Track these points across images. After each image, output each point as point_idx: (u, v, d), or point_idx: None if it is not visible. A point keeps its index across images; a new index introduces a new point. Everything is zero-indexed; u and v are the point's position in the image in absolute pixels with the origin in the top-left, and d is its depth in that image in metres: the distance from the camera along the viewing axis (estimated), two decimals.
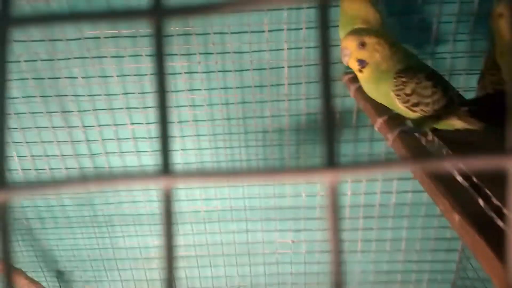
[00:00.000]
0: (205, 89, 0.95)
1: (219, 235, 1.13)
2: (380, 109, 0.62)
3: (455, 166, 0.41)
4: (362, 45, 0.55)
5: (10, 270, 0.13)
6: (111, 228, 1.14)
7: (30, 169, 1.06)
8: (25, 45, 0.92)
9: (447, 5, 0.86)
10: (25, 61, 0.94)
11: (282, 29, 0.89)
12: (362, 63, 0.56)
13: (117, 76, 0.94)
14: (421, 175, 0.48)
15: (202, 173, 0.13)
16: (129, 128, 1.01)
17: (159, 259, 1.18)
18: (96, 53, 0.93)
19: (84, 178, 0.13)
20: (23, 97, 0.98)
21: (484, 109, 0.57)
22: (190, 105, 0.97)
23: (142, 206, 1.10)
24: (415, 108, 0.53)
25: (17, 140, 1.03)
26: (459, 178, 0.55)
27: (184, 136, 1.01)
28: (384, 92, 0.55)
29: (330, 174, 0.12)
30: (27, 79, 0.96)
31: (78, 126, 1.01)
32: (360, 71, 0.57)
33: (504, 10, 0.59)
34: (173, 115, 0.98)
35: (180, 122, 1.00)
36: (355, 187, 1.06)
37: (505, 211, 0.46)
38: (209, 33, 0.89)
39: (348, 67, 0.62)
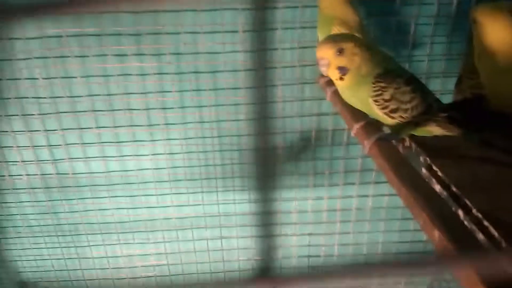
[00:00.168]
0: (176, 91, 0.91)
1: (192, 242, 1.09)
2: (357, 114, 0.59)
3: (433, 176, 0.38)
4: (340, 51, 0.51)
5: None
6: (76, 237, 1.08)
7: None
8: None
9: (425, 7, 0.84)
10: None
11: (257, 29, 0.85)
12: (342, 70, 0.52)
13: (81, 77, 0.89)
14: (399, 186, 0.46)
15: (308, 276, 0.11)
16: (95, 132, 0.95)
17: (128, 269, 1.13)
18: (59, 53, 0.87)
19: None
20: None
21: (462, 115, 0.55)
22: (161, 108, 0.93)
23: (110, 214, 1.04)
24: (393, 115, 0.51)
25: None
26: (438, 187, 0.54)
27: (154, 140, 0.96)
28: (362, 98, 0.53)
29: None
30: None
31: (40, 130, 0.94)
32: (341, 78, 0.53)
33: (477, 15, 0.58)
34: (143, 118, 0.93)
35: (150, 125, 0.95)
36: (332, 191, 1.04)
37: (485, 223, 0.44)
38: (180, 33, 0.85)
39: None
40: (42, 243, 1.09)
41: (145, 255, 1.10)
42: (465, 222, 0.45)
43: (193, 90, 0.91)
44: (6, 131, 0.94)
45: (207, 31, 0.85)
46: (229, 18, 0.84)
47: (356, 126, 0.58)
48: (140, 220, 1.05)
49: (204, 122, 0.95)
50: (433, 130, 0.53)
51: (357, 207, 1.06)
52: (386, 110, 0.51)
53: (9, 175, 0.99)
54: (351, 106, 0.58)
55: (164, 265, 1.12)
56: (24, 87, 0.90)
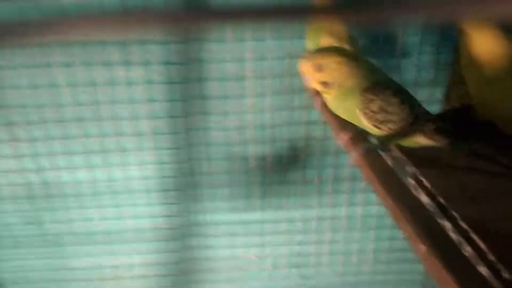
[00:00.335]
0: (165, 101, 0.90)
1: (178, 252, 1.07)
2: (345, 124, 0.59)
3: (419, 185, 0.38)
4: (319, 68, 0.52)
5: None
6: (61, 248, 1.06)
7: None
8: None
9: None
10: None
11: (245, 39, 0.85)
12: (325, 85, 0.53)
13: (67, 85, 0.87)
14: (385, 197, 0.45)
15: None
16: (81, 141, 0.93)
17: (114, 280, 1.11)
18: (44, 61, 0.85)
19: None
20: None
21: (450, 125, 0.55)
22: (149, 117, 0.91)
23: (95, 224, 1.02)
24: (381, 126, 0.51)
25: None
26: (424, 198, 0.53)
27: (142, 149, 0.95)
28: (350, 110, 0.52)
29: None
30: None
31: (24, 139, 0.92)
32: (325, 92, 0.54)
33: (463, 26, 0.59)
34: (130, 126, 0.92)
35: (138, 134, 0.93)
36: (321, 200, 1.04)
37: (472, 235, 0.44)
38: (169, 42, 0.84)
39: None
40: (25, 254, 1.06)
41: (132, 265, 1.08)
42: (452, 234, 0.44)
43: (182, 99, 0.90)
44: None
45: (195, 39, 0.85)
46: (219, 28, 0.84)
47: (344, 136, 0.58)
48: (127, 231, 1.04)
49: (192, 130, 0.94)
50: (421, 141, 0.53)
51: (346, 215, 1.06)
52: (374, 122, 0.51)
53: None
54: (339, 116, 0.57)
55: (151, 276, 1.10)
56: (9, 95, 0.88)
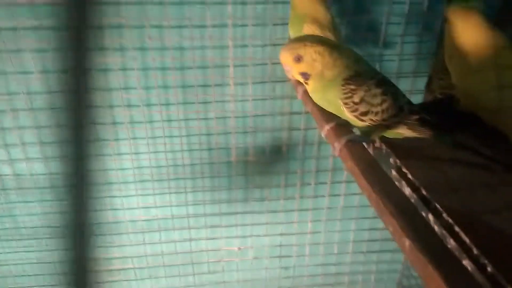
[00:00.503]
0: (142, 88, 0.86)
1: (159, 245, 1.05)
2: (328, 115, 0.58)
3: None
4: (298, 59, 0.51)
5: None
6: (36, 241, 1.02)
7: None
8: None
9: (396, 6, 0.84)
10: None
11: (227, 25, 0.82)
12: (304, 75, 0.52)
13: (39, 72, 0.83)
14: (368, 191, 0.44)
15: None
16: (54, 130, 0.89)
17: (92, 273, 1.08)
18: (14, 46, 0.81)
19: None
20: None
21: (433, 116, 0.54)
22: (126, 105, 0.88)
23: (70, 217, 0.99)
24: (363, 117, 0.50)
25: None
26: (407, 190, 0.53)
27: (119, 139, 0.91)
28: (332, 101, 0.51)
29: None
30: None
31: None
32: (306, 83, 0.52)
33: (448, 15, 0.58)
34: (106, 115, 0.88)
35: (113, 123, 0.90)
36: (303, 190, 1.03)
37: (456, 228, 0.43)
38: (145, 27, 0.80)
39: None
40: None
41: (110, 259, 1.06)
42: (436, 228, 0.44)
43: (160, 87, 0.87)
44: None
45: (173, 25, 0.81)
46: (197, 12, 0.80)
47: (327, 127, 0.56)
48: (104, 223, 1.01)
49: (171, 120, 0.91)
50: (404, 132, 0.52)
51: (328, 206, 1.06)
52: (356, 113, 0.50)
53: None
54: (322, 107, 0.56)
55: (130, 268, 1.08)
56: None
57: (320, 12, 0.68)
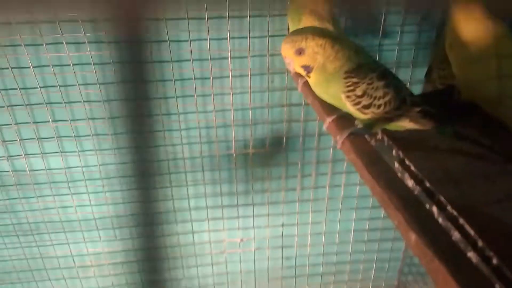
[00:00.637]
0: (141, 82, 0.85)
1: (161, 238, 1.05)
2: (329, 107, 0.57)
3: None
4: (300, 52, 0.50)
5: None
6: (38, 236, 1.02)
7: None
8: None
9: None
10: None
11: (225, 17, 0.81)
12: (306, 68, 0.51)
13: (34, 67, 0.82)
14: (372, 184, 0.44)
15: None
16: (52, 126, 0.89)
17: (96, 267, 1.08)
18: (9, 41, 0.79)
19: None
20: None
21: (434, 108, 0.54)
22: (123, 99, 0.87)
23: (72, 211, 0.99)
24: (366, 110, 0.49)
25: None
26: (410, 182, 0.53)
27: (117, 134, 0.91)
28: (334, 94, 0.51)
29: None
30: None
31: None
32: (308, 76, 0.52)
33: (451, 5, 0.57)
34: (103, 110, 0.88)
35: (111, 118, 0.89)
36: (304, 181, 1.03)
37: (460, 220, 0.43)
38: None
39: None
40: (1, 243, 1.03)
41: (113, 252, 1.06)
42: (440, 220, 0.44)
43: (158, 81, 0.86)
44: None
45: (171, 17, 0.80)
46: (194, 5, 0.79)
47: (328, 120, 0.56)
48: (106, 217, 1.01)
49: (170, 114, 0.90)
50: (406, 124, 0.52)
51: (329, 196, 1.06)
52: (358, 106, 0.49)
53: None
54: (323, 100, 0.56)
55: (133, 261, 1.08)
56: None
57: (319, 4, 0.67)
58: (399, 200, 0.39)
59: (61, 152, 0.92)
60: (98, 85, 0.85)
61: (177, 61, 0.85)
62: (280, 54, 0.79)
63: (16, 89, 0.84)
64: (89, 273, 1.09)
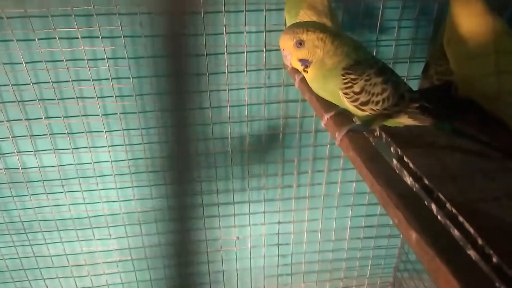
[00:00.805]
0: (133, 77, 0.84)
1: (157, 236, 1.05)
2: (327, 104, 0.57)
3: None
4: (300, 44, 0.49)
5: None
6: (31, 235, 1.01)
7: None
8: None
9: None
10: None
11: (221, 11, 0.80)
12: (304, 62, 0.50)
13: (27, 62, 0.80)
14: (371, 181, 0.43)
15: None
16: (45, 123, 0.87)
17: (90, 266, 1.07)
18: (1, 36, 0.78)
19: None
20: None
21: (432, 104, 0.54)
22: (117, 96, 0.86)
23: (66, 209, 0.98)
24: (364, 107, 0.49)
25: None
26: (409, 180, 0.52)
27: (111, 131, 0.90)
28: (332, 90, 0.50)
29: None
30: None
31: None
32: (305, 71, 0.51)
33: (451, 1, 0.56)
34: (97, 106, 0.86)
35: (105, 115, 0.88)
36: (300, 178, 1.02)
37: (460, 218, 0.43)
38: (135, 13, 0.78)
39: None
40: None
41: (108, 251, 1.05)
42: (439, 217, 0.43)
43: (152, 76, 0.85)
44: None
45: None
46: None
47: (326, 116, 0.55)
48: (100, 215, 1.00)
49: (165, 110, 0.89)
50: (405, 121, 0.51)
51: (325, 193, 1.05)
52: (356, 103, 0.49)
53: None
54: (321, 96, 0.55)
55: (128, 260, 1.07)
56: None
57: None
58: (399, 198, 0.39)
59: (54, 150, 0.90)
60: (92, 81, 0.83)
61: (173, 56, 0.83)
62: (277, 50, 0.78)
63: (8, 85, 0.82)
64: (83, 272, 1.08)
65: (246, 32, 0.82)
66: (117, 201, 0.98)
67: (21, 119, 0.86)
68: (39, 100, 0.84)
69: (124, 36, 0.79)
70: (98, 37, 0.79)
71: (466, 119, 0.58)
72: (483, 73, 0.58)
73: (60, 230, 1.01)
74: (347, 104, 0.50)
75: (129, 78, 0.84)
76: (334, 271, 1.20)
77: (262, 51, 0.85)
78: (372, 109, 0.49)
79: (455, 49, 0.60)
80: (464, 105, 0.62)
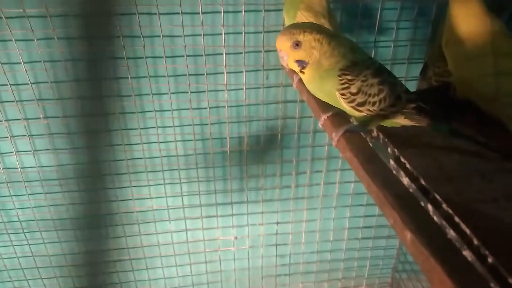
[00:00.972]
0: (132, 77, 0.84)
1: (155, 236, 1.05)
2: (324, 104, 0.57)
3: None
4: (297, 45, 0.49)
5: None
6: (30, 234, 1.01)
7: None
8: None
9: None
10: None
11: (219, 12, 0.80)
12: (301, 63, 0.50)
13: (25, 62, 0.80)
14: (368, 182, 0.43)
15: None
16: (43, 123, 0.87)
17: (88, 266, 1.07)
18: (0, 36, 0.78)
19: None
20: None
21: (430, 104, 0.54)
22: (116, 96, 0.86)
23: (65, 209, 0.98)
24: (360, 108, 0.49)
25: None
26: (406, 180, 0.52)
27: (109, 130, 0.90)
28: (328, 91, 0.50)
29: None
30: None
31: None
32: (302, 72, 0.51)
33: (450, 2, 0.57)
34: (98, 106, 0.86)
35: (104, 114, 0.88)
36: (299, 179, 1.02)
37: (456, 219, 0.43)
38: (134, 13, 0.78)
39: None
40: None
41: (104, 251, 1.05)
42: (435, 218, 0.43)
43: (151, 77, 0.85)
44: None
45: (163, 12, 0.79)
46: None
47: (324, 117, 0.55)
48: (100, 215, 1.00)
49: (163, 110, 0.89)
50: (402, 121, 0.52)
51: (323, 194, 1.06)
52: (353, 104, 0.49)
53: None
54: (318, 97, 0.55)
55: (126, 259, 1.07)
56: None
57: None
58: (395, 199, 0.39)
59: (52, 149, 0.90)
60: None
61: (171, 56, 0.83)
62: (276, 50, 0.79)
63: (6, 85, 0.82)
64: (81, 272, 1.08)
65: (244, 33, 0.82)
66: (115, 201, 0.98)
67: (20, 119, 0.86)
68: (37, 100, 0.84)
69: (122, 36, 0.79)
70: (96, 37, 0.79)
71: (464, 120, 0.59)
72: (481, 74, 0.58)
73: (58, 230, 1.00)
74: (343, 105, 0.50)
75: (128, 78, 0.84)
76: (332, 272, 1.20)
77: (261, 51, 0.85)
78: (368, 110, 0.49)
79: (453, 50, 0.60)
80: (462, 106, 0.62)
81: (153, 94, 0.87)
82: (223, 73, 0.86)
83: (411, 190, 0.48)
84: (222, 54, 0.84)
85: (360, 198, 1.07)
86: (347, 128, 0.50)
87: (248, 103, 0.91)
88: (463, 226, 0.39)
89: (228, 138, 0.94)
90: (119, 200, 0.98)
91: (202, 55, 0.84)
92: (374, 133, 0.59)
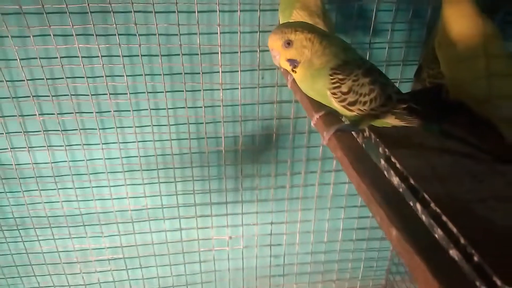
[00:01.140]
0: (127, 75, 0.84)
1: (149, 234, 1.05)
2: (317, 104, 0.57)
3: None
4: (288, 43, 0.49)
5: None
6: (24, 231, 1.01)
7: None
8: None
9: None
10: None
11: (215, 11, 0.80)
12: (293, 62, 0.50)
13: (21, 59, 0.80)
14: (357, 181, 0.44)
15: None
16: (38, 120, 0.87)
17: (82, 263, 1.07)
18: None
19: None
20: None
21: (422, 105, 0.54)
22: (111, 93, 0.86)
23: (59, 206, 0.98)
24: (351, 107, 0.49)
25: None
26: (396, 180, 0.52)
27: (105, 128, 0.90)
28: (320, 91, 0.50)
29: None
30: None
31: None
32: (294, 71, 0.51)
33: (442, 3, 0.57)
34: (91, 104, 0.87)
35: (99, 112, 0.88)
36: (293, 179, 1.03)
37: (444, 218, 0.43)
38: (130, 12, 0.78)
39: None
40: None
41: (100, 249, 1.05)
42: (423, 217, 0.44)
43: (146, 75, 0.85)
44: None
45: (159, 10, 0.79)
46: None
47: (316, 116, 0.56)
48: (93, 213, 1.00)
49: (159, 109, 0.89)
50: (392, 121, 0.52)
51: (318, 195, 1.06)
52: (344, 103, 0.49)
53: None
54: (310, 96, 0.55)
55: (120, 258, 1.07)
56: None
57: None
58: (383, 197, 0.39)
59: (48, 146, 0.90)
60: (86, 78, 0.83)
61: (167, 55, 0.84)
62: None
63: (2, 81, 0.82)
64: (75, 269, 1.08)
65: (240, 32, 0.82)
66: (109, 199, 0.98)
67: (15, 115, 0.86)
68: (33, 96, 0.84)
69: (118, 34, 0.80)
70: (93, 35, 0.79)
71: (456, 122, 0.59)
72: (473, 76, 0.58)
73: (53, 227, 1.01)
74: (335, 104, 0.50)
75: (123, 76, 0.84)
76: (327, 273, 1.20)
77: (256, 51, 0.85)
78: (359, 109, 0.49)
79: (445, 52, 0.60)
80: (454, 107, 0.62)
81: (148, 92, 0.87)
82: (218, 72, 0.86)
83: (400, 190, 0.48)
84: (218, 53, 0.84)
85: (354, 199, 1.07)
86: (338, 127, 0.51)
87: (244, 103, 0.91)
88: (450, 225, 0.39)
89: (223, 138, 0.94)
90: (114, 199, 0.98)
91: (197, 54, 0.84)
92: (366, 133, 0.59)
